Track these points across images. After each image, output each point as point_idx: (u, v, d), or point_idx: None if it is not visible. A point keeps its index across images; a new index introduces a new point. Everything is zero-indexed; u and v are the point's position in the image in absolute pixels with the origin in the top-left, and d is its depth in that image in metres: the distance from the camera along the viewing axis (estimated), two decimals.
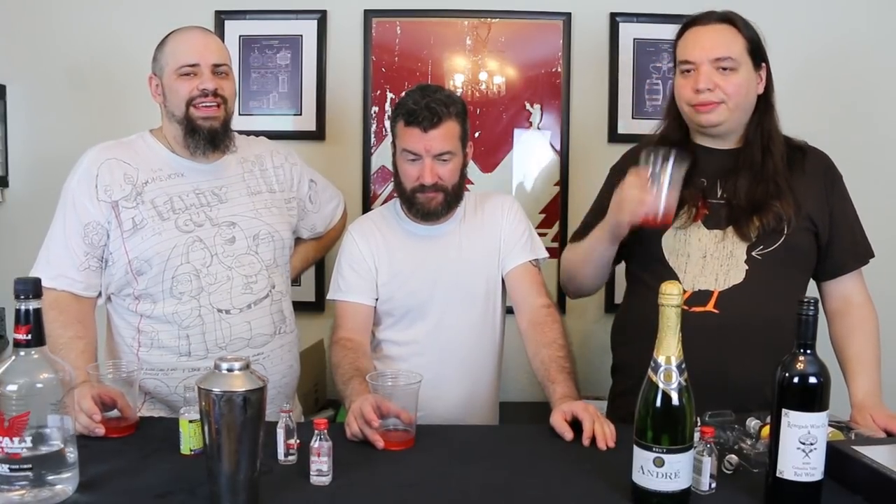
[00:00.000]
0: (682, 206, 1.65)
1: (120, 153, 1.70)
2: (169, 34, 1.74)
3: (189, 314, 1.67)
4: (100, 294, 1.72)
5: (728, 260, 1.61)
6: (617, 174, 1.81)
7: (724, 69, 1.59)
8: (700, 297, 1.59)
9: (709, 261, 1.62)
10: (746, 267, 1.60)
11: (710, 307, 1.59)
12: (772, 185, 1.61)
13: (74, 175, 1.69)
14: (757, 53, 1.63)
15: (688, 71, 1.63)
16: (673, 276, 1.62)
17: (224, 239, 1.71)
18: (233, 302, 1.69)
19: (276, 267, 1.78)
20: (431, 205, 1.74)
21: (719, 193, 1.66)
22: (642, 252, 1.72)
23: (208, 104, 1.68)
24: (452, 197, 1.76)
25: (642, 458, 1.15)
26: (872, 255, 1.70)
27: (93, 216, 1.66)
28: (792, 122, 1.72)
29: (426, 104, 1.68)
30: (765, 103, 1.66)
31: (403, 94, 1.79)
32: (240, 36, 2.45)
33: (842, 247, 1.66)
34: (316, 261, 2.16)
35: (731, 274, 1.60)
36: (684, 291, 1.51)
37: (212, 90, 1.68)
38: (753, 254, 1.60)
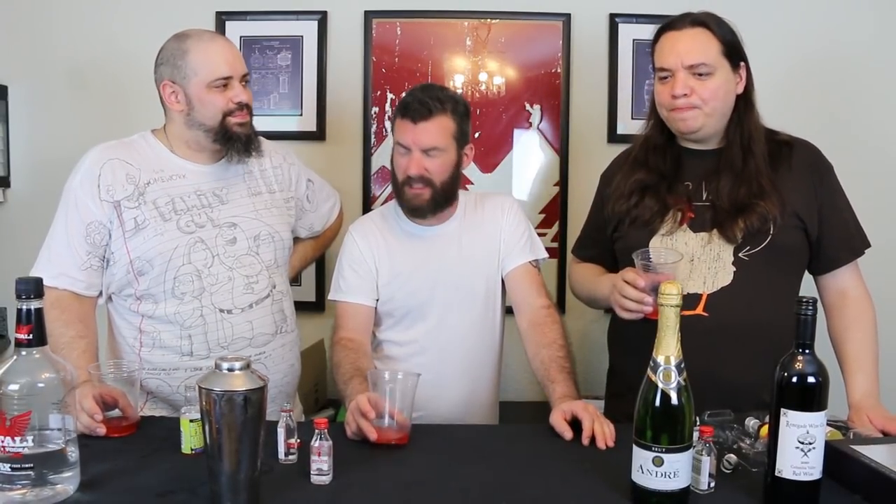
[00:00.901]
0: (668, 211, 1.65)
1: (122, 153, 1.70)
2: (183, 40, 1.69)
3: (191, 314, 1.67)
4: (100, 294, 1.72)
5: (715, 262, 1.60)
6: (606, 182, 1.82)
7: (700, 74, 1.59)
8: (689, 300, 1.58)
9: (696, 264, 1.61)
10: (734, 269, 1.59)
11: (699, 310, 1.58)
12: (754, 185, 1.60)
13: (76, 175, 1.69)
14: (734, 54, 1.62)
15: (665, 77, 1.63)
16: None
17: (225, 240, 1.71)
18: (234, 302, 1.70)
19: (276, 267, 1.79)
20: (417, 201, 1.74)
21: (704, 196, 1.65)
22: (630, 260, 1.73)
23: (242, 114, 1.71)
24: (441, 195, 1.75)
25: (641, 458, 1.16)
26: (868, 246, 1.68)
27: (95, 216, 1.66)
28: (787, 120, 1.72)
29: (420, 98, 1.70)
30: (745, 103, 1.65)
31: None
32: (241, 37, 2.45)
33: (834, 240, 1.65)
34: (314, 259, 2.17)
35: (718, 276, 1.59)
36: None
37: (246, 102, 1.71)
38: (740, 255, 1.59)
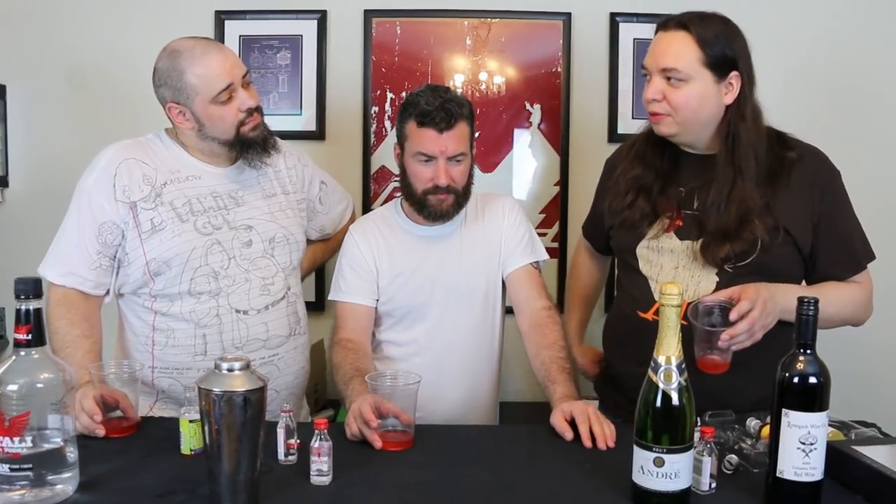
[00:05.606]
0: (658, 217, 1.62)
1: (138, 153, 1.69)
2: (176, 58, 1.64)
3: (207, 313, 1.67)
4: (107, 292, 1.71)
5: (700, 271, 1.58)
6: (610, 168, 1.81)
7: (674, 80, 1.53)
8: None
9: (680, 271, 1.59)
10: (717, 279, 1.56)
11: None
12: (742, 207, 1.53)
13: (91, 174, 1.67)
14: (719, 64, 1.51)
15: (646, 76, 1.59)
16: (647, 284, 1.62)
17: (241, 242, 1.71)
18: (251, 303, 1.70)
19: (291, 269, 1.79)
20: (443, 206, 1.74)
21: (695, 205, 1.60)
22: (621, 260, 1.73)
23: (253, 119, 1.69)
24: (463, 197, 1.76)
25: (642, 458, 1.16)
26: (871, 259, 1.63)
27: (109, 216, 1.64)
28: (788, 121, 1.71)
29: (441, 105, 1.67)
30: (736, 114, 1.54)
31: (412, 94, 1.76)
32: (240, 36, 2.45)
33: (830, 255, 1.58)
34: (323, 262, 2.16)
35: (701, 285, 1.57)
36: (655, 302, 1.50)
37: (254, 107, 1.69)
38: (726, 267, 1.56)
